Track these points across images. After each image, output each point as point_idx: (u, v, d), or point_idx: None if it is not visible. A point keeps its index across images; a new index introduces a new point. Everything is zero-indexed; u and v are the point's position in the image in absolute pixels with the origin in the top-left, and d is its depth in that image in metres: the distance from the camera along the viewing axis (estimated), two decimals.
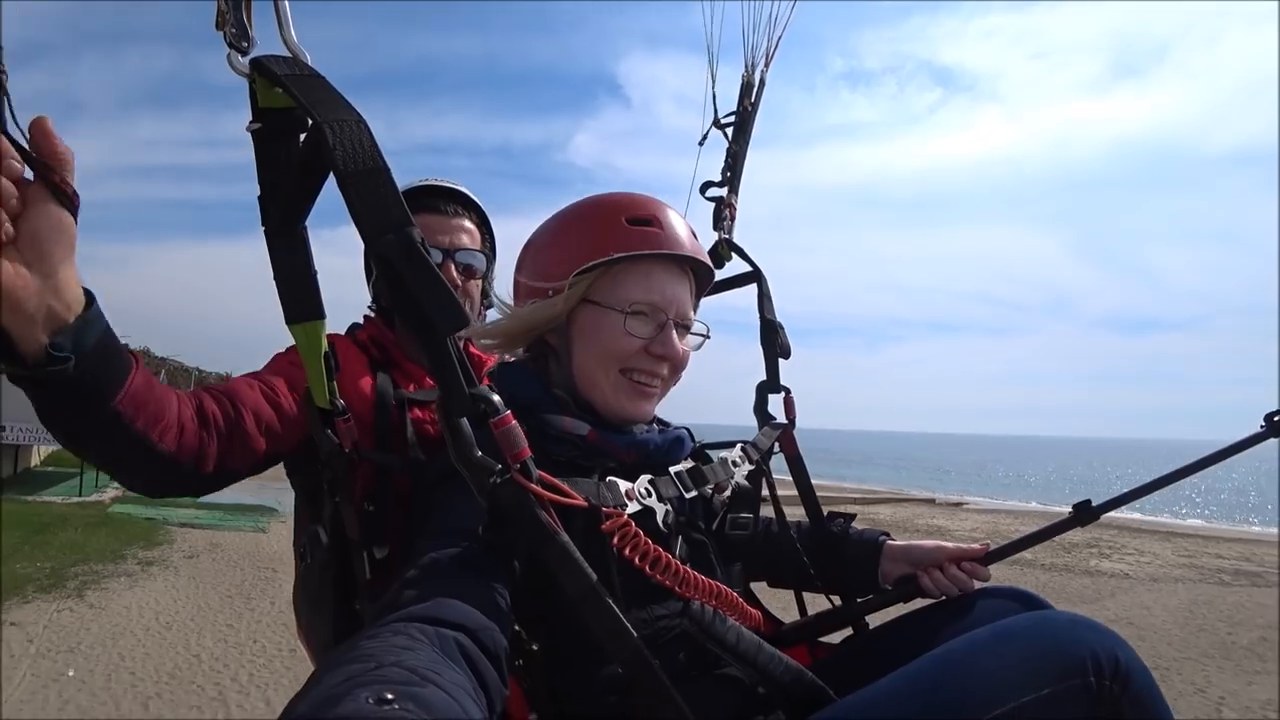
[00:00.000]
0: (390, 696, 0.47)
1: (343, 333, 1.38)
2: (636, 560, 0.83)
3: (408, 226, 0.66)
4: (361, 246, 1.01)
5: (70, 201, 0.65)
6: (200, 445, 0.93)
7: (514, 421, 0.71)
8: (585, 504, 0.79)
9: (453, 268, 1.34)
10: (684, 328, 1.05)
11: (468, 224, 1.39)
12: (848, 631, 1.20)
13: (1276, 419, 1.15)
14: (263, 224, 0.80)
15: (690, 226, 1.08)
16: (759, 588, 1.28)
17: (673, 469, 0.99)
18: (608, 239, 0.99)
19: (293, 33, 0.75)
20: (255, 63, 0.73)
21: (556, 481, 0.76)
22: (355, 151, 0.66)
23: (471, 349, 1.42)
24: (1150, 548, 15.16)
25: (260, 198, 0.79)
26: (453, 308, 0.66)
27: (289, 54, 0.74)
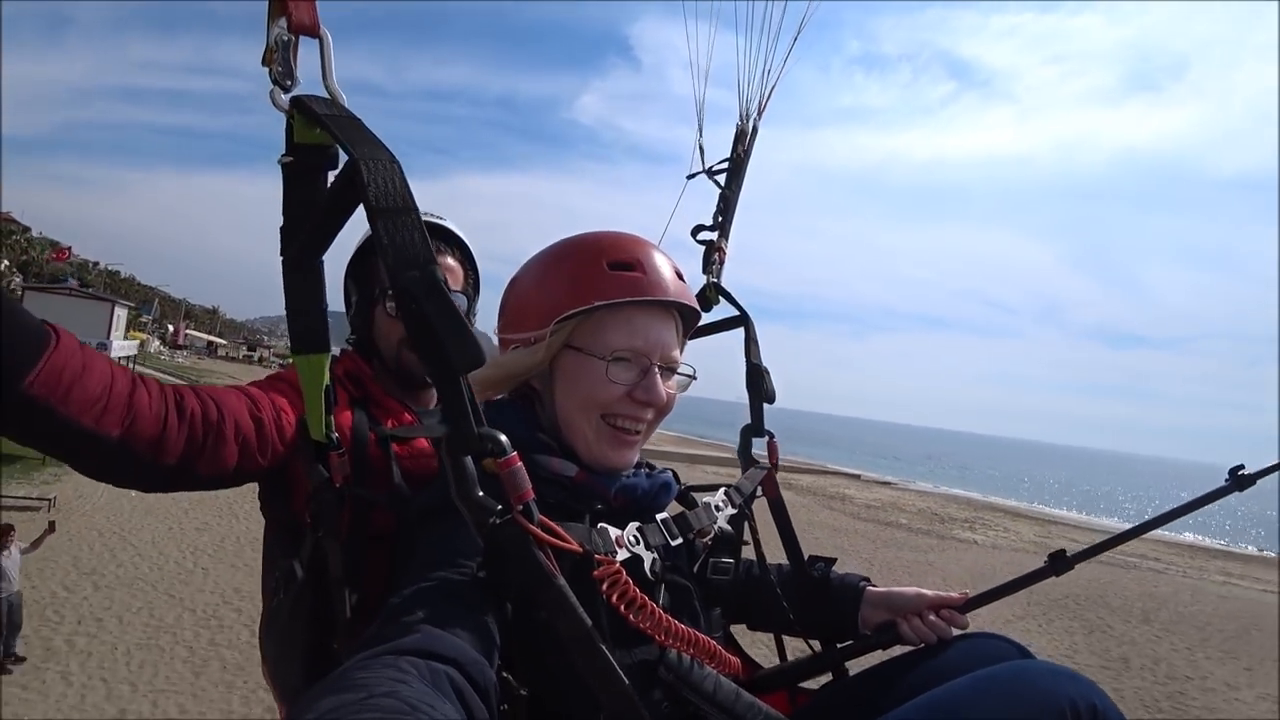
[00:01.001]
0: None
1: None
2: (623, 608, 0.83)
3: (432, 265, 0.68)
4: (339, 278, 1.03)
5: None
6: (160, 435, 0.86)
7: (519, 464, 0.71)
8: (581, 550, 0.79)
9: None
10: (669, 370, 1.03)
11: (450, 261, 1.35)
12: (827, 677, 1.20)
13: (1240, 473, 1.19)
14: (281, 254, 0.82)
15: (675, 265, 1.05)
16: (739, 631, 1.27)
17: (660, 516, 0.97)
18: (589, 285, 0.97)
19: (334, 77, 0.77)
20: (296, 101, 0.76)
21: (554, 525, 0.75)
22: (388, 190, 0.69)
23: None
24: (1018, 528, 17.83)
25: (282, 229, 0.81)
26: (472, 347, 0.67)
27: (328, 95, 0.77)
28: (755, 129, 1.57)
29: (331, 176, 0.79)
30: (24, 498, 9.97)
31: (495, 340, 1.11)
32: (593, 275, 0.98)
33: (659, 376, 1.00)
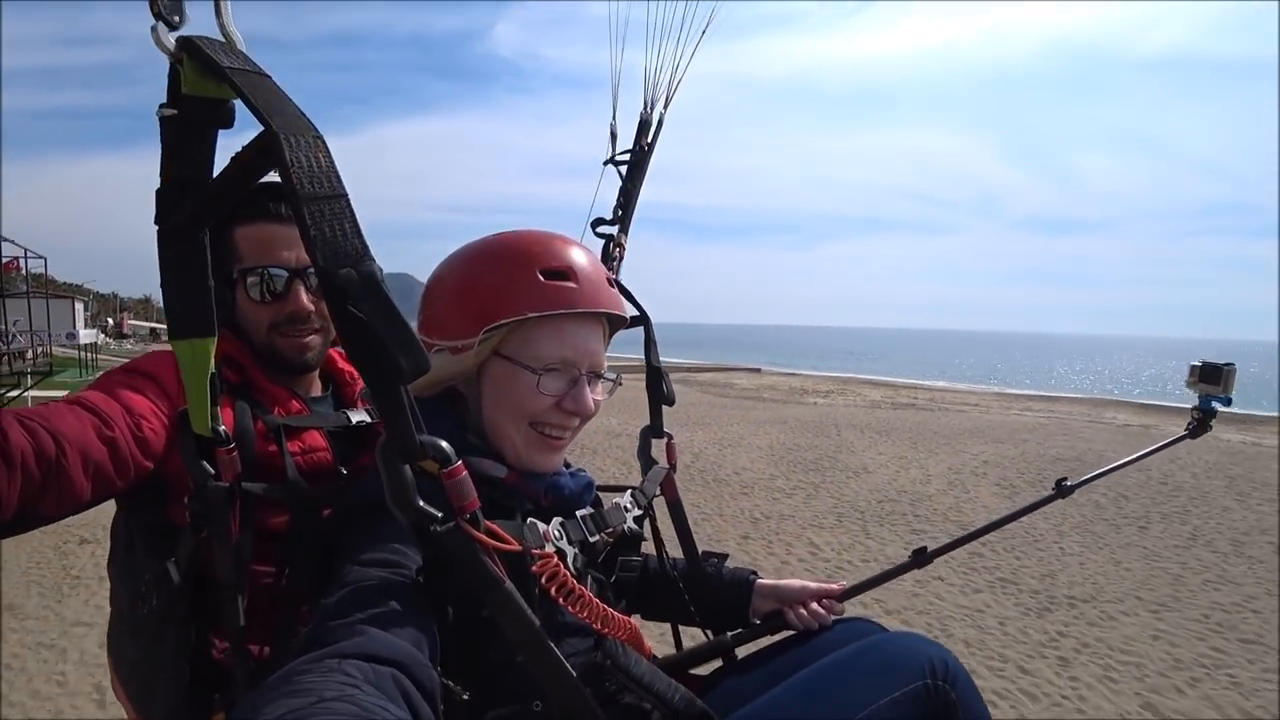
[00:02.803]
0: None
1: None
2: (562, 600, 0.84)
3: (369, 260, 0.62)
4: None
5: None
6: None
7: (465, 473, 0.70)
8: (519, 548, 0.79)
9: (302, 290, 1.15)
10: (595, 376, 1.03)
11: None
12: (717, 663, 1.29)
13: (1064, 483, 1.48)
14: (156, 221, 0.71)
15: (604, 270, 1.04)
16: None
17: (579, 513, 1.00)
18: (521, 294, 0.95)
19: (230, 17, 0.66)
20: (186, 42, 0.64)
21: (496, 528, 0.75)
22: (314, 172, 0.61)
23: (342, 364, 1.32)
24: (868, 393, 22.28)
25: (159, 192, 0.71)
26: (417, 352, 0.63)
27: (223, 39, 0.66)
28: (661, 121, 1.53)
29: (223, 137, 0.69)
30: None
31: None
32: (525, 284, 0.95)
33: (587, 386, 1.00)
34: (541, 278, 0.96)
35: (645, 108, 1.53)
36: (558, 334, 0.98)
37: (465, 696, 0.78)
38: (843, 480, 8.33)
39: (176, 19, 0.64)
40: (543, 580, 0.84)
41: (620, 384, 1.10)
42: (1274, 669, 3.79)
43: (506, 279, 0.97)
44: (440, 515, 0.70)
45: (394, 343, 0.62)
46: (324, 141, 0.63)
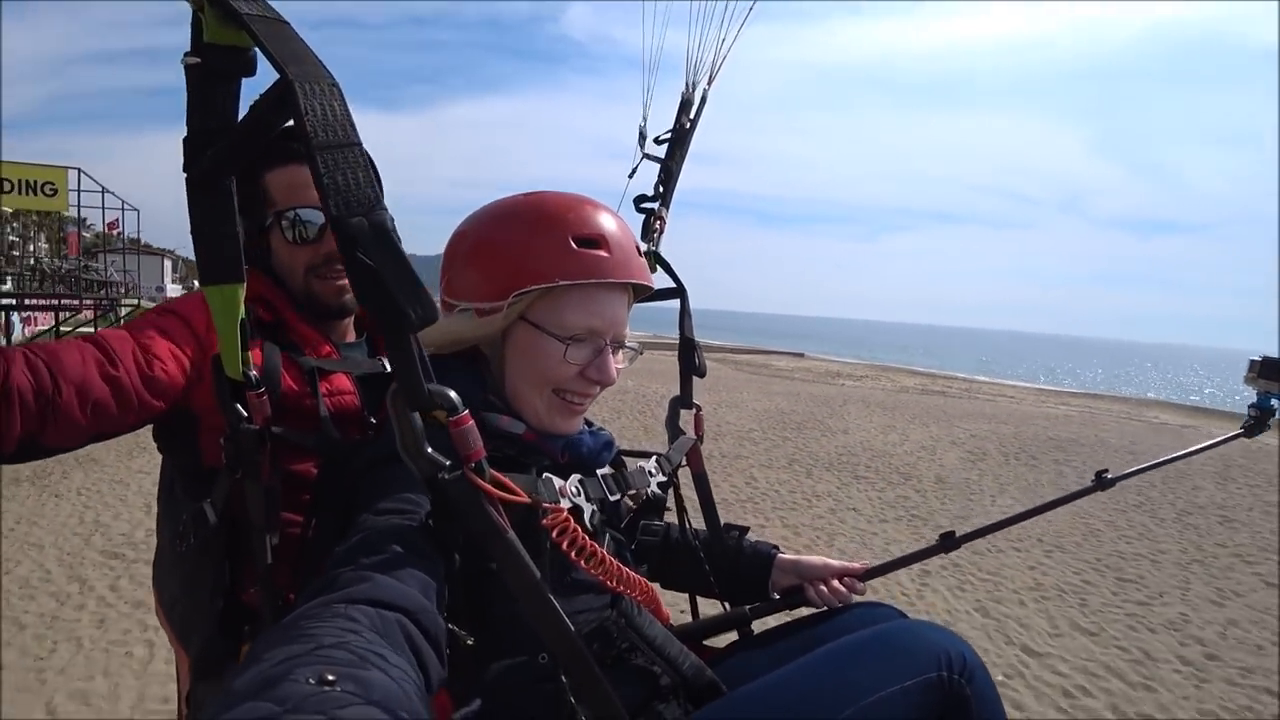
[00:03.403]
0: (331, 678, 0.47)
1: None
2: (573, 555, 0.85)
3: (381, 209, 0.63)
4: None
5: None
6: None
7: (471, 422, 0.71)
8: (529, 500, 0.79)
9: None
10: (618, 345, 1.04)
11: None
12: (732, 636, 1.28)
13: (1104, 475, 1.40)
14: (184, 169, 0.74)
15: (634, 237, 1.04)
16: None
17: (600, 472, 1.00)
18: (552, 261, 0.94)
19: None
20: None
21: (504, 479, 0.75)
22: (328, 120, 0.62)
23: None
24: (900, 380, 22.09)
25: (186, 140, 0.73)
26: (427, 303, 0.64)
27: None
28: (705, 98, 1.53)
29: (246, 86, 0.71)
30: None
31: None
32: (556, 250, 0.94)
33: (610, 355, 1.01)
34: (574, 244, 0.95)
35: (686, 87, 1.53)
36: (586, 302, 0.97)
37: (470, 642, 0.79)
38: (816, 438, 8.72)
39: None
40: (554, 534, 0.84)
41: (641, 353, 1.12)
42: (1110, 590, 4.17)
43: (538, 244, 0.95)
44: (448, 464, 0.71)
45: (402, 292, 0.62)
46: (339, 89, 0.64)
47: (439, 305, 0.96)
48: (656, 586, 1.20)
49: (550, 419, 1.01)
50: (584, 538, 0.86)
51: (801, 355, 31.55)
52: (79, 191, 13.58)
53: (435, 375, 0.74)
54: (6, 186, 12.90)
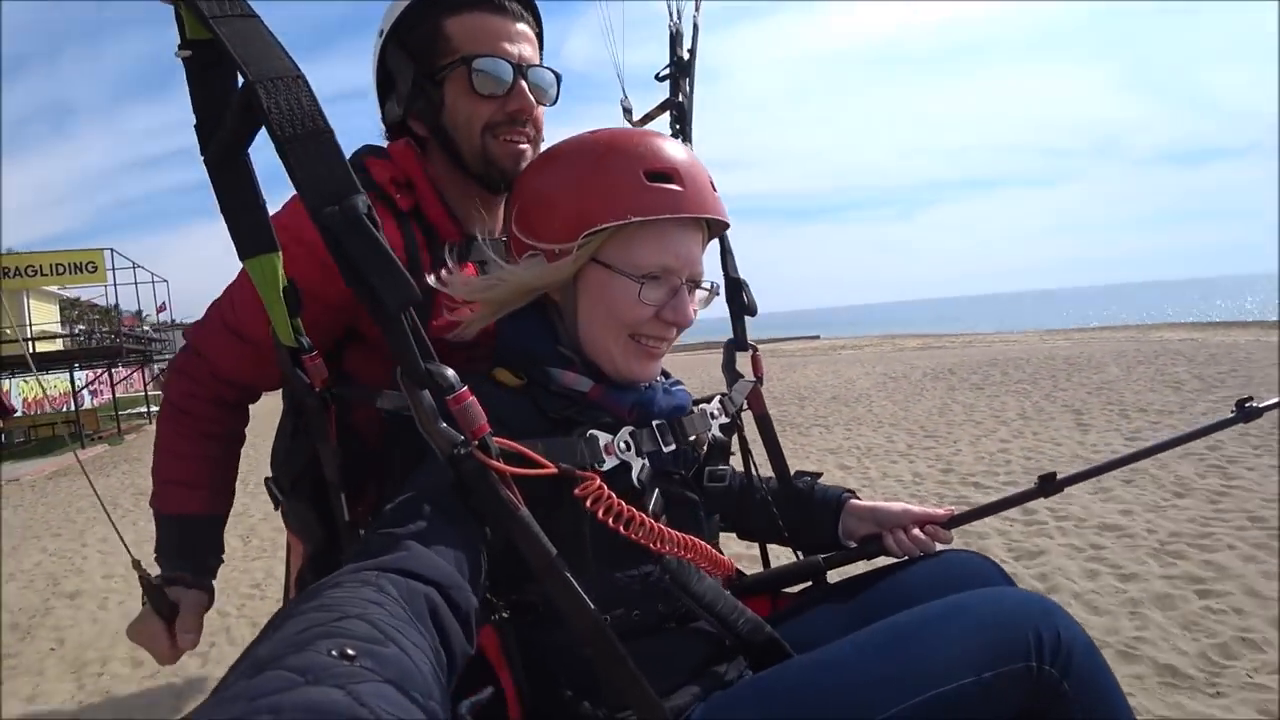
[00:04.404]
0: (351, 652, 0.47)
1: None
2: (611, 522, 0.82)
3: (352, 196, 0.63)
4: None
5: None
6: (214, 414, 1.09)
7: (471, 398, 0.70)
8: (555, 471, 0.77)
9: (525, 88, 1.08)
10: (694, 284, 0.99)
11: (530, 31, 1.12)
12: (808, 583, 1.20)
13: (1247, 404, 1.20)
14: (201, 153, 0.76)
15: (708, 173, 0.98)
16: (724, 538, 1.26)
17: (655, 422, 0.97)
18: (624, 197, 0.90)
19: None
20: None
21: (524, 450, 0.74)
22: (293, 113, 0.63)
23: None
24: (908, 345, 22.33)
25: (197, 126, 0.75)
26: (401, 284, 0.64)
27: None
28: (695, 25, 1.44)
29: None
30: None
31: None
32: (629, 186, 0.90)
33: (686, 295, 0.96)
34: (645, 179, 0.90)
35: (671, 16, 1.44)
36: (660, 239, 0.92)
37: (505, 614, 0.80)
38: (770, 382, 9.46)
39: None
40: (587, 504, 0.81)
41: (718, 294, 1.10)
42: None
43: (608, 181, 0.91)
44: (462, 439, 0.69)
45: (376, 276, 0.63)
46: (304, 80, 0.64)
47: (509, 250, 1.00)
48: (722, 538, 1.17)
49: (627, 365, 0.96)
50: (619, 503, 0.82)
51: (816, 337, 32.08)
52: (114, 269, 15.25)
53: (509, 329, 0.88)
54: (58, 269, 14.60)
